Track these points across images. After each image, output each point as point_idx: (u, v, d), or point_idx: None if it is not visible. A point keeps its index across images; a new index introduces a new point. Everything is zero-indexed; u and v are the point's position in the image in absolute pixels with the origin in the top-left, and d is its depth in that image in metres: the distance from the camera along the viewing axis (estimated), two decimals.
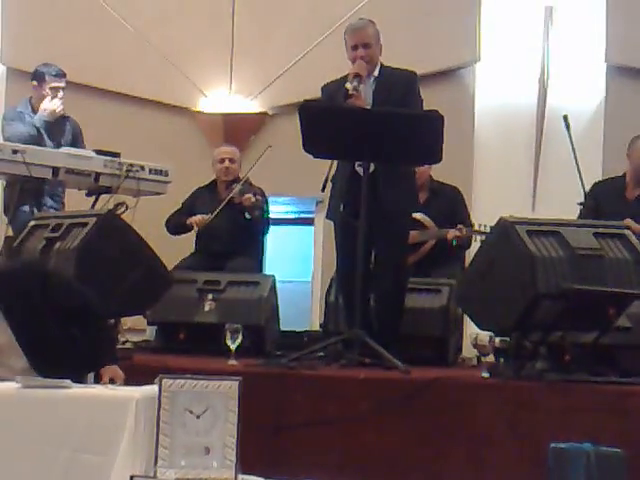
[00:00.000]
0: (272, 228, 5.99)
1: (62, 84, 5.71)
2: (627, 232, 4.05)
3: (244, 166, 6.03)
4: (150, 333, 5.45)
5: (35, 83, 5.72)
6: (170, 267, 4.92)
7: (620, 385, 3.70)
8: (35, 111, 5.69)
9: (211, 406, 2.89)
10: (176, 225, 5.83)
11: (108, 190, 5.43)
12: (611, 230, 4.03)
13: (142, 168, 5.46)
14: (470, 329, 4.87)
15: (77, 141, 5.74)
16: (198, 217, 5.73)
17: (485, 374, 3.91)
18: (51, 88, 5.68)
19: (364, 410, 3.67)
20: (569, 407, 3.56)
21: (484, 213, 5.92)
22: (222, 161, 5.88)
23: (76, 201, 5.81)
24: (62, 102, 5.70)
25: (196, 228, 5.74)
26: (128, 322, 5.33)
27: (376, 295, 4.52)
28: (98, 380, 3.40)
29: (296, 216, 8.07)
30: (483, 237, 5.27)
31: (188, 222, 5.75)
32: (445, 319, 4.86)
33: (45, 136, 5.62)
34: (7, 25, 7.42)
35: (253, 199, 5.57)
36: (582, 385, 3.67)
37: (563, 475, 3.11)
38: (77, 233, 4.31)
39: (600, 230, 3.98)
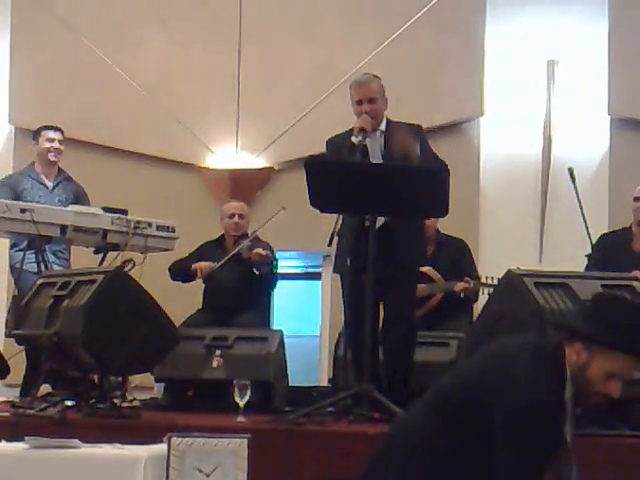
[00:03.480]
0: (279, 282, 5.99)
1: (58, 136, 5.84)
2: (635, 284, 4.04)
3: (251, 222, 6.05)
4: (158, 390, 5.42)
5: (34, 141, 5.90)
6: (178, 323, 4.91)
7: (633, 439, 3.66)
8: (37, 172, 5.79)
9: (220, 464, 2.87)
10: (179, 270, 5.79)
11: (116, 247, 5.44)
12: (618, 282, 4.02)
13: (149, 225, 5.48)
14: None
15: (80, 204, 5.75)
16: (204, 264, 5.70)
17: None
18: (47, 139, 5.81)
19: None
20: (580, 461, 3.52)
21: (491, 265, 5.93)
22: (232, 216, 5.90)
23: (83, 258, 5.83)
24: (59, 153, 5.84)
25: (200, 274, 5.70)
26: (135, 380, 5.31)
27: (386, 348, 4.50)
28: None
29: (303, 270, 8.07)
30: (490, 289, 5.26)
31: (193, 267, 5.72)
32: None
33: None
34: (15, 85, 7.52)
35: (263, 253, 5.57)
36: (594, 439, 3.63)
37: None
38: (85, 291, 4.30)
39: (608, 282, 3.97)
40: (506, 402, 2.66)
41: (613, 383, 2.72)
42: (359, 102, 4.50)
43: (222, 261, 5.65)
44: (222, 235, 5.98)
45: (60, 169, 5.93)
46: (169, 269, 5.85)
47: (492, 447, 2.68)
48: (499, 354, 2.83)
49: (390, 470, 2.85)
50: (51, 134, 5.84)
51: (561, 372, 2.71)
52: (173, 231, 5.62)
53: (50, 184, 5.85)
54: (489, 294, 4.99)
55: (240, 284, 5.69)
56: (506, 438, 2.64)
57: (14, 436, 3.40)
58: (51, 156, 5.82)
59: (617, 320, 2.70)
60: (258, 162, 7.36)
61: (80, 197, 5.86)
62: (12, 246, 5.76)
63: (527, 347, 2.76)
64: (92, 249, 5.59)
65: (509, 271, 4.02)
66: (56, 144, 5.83)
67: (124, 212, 5.49)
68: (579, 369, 2.71)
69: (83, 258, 5.80)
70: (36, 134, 5.90)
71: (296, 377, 5.43)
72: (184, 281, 5.84)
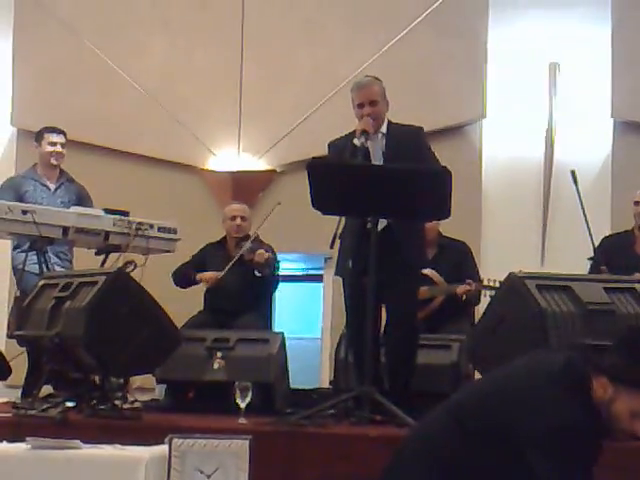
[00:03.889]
0: (281, 285, 5.99)
1: (60, 139, 5.83)
2: (637, 286, 4.03)
3: (253, 223, 6.05)
4: (159, 392, 5.42)
5: (36, 143, 5.88)
6: (179, 325, 4.91)
7: (636, 442, 3.65)
8: (39, 175, 5.80)
9: (222, 465, 2.87)
10: (184, 278, 5.82)
11: (117, 248, 5.44)
12: (622, 284, 4.01)
13: (151, 226, 5.49)
14: None
15: (83, 205, 5.75)
16: (209, 274, 5.72)
17: None
18: (49, 143, 5.80)
19: (375, 469, 3.62)
20: None
21: (493, 268, 5.93)
22: (234, 218, 5.91)
23: (84, 259, 5.83)
24: (61, 157, 5.83)
25: (206, 284, 5.73)
26: (137, 381, 5.31)
27: (388, 351, 4.49)
28: None
29: (305, 273, 8.07)
30: (492, 292, 5.25)
31: (198, 278, 5.75)
32: (456, 375, 4.82)
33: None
34: (17, 87, 7.54)
35: (266, 255, 5.58)
36: None
37: None
38: (87, 292, 4.30)
39: (611, 285, 3.97)
40: (541, 425, 2.60)
41: (639, 423, 2.60)
42: (360, 105, 4.49)
43: (227, 268, 5.64)
44: (224, 237, 5.99)
45: (62, 171, 5.94)
46: (173, 275, 5.87)
47: (510, 461, 2.64)
48: (526, 372, 2.77)
49: (403, 477, 2.83)
50: (53, 137, 5.83)
51: (590, 401, 2.64)
52: (175, 233, 5.62)
53: (53, 186, 5.85)
54: (491, 297, 4.98)
55: (242, 286, 5.69)
56: (549, 459, 2.58)
57: (15, 437, 3.39)
58: (53, 160, 5.82)
59: None
60: (260, 164, 7.37)
61: (83, 198, 5.86)
62: (15, 247, 5.76)
63: (556, 370, 2.69)
64: (94, 250, 5.59)
65: (511, 274, 4.01)
66: (58, 148, 5.83)
67: (126, 214, 5.49)
68: (604, 404, 2.61)
69: (86, 259, 5.80)
70: (38, 136, 5.90)
71: (297, 379, 5.43)
72: (187, 287, 5.85)
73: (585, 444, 2.62)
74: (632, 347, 2.63)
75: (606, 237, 5.62)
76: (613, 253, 5.37)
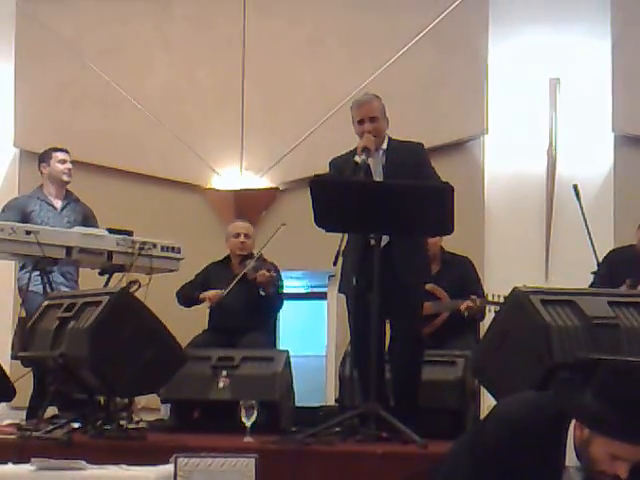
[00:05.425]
0: (285, 303, 5.98)
1: (68, 157, 5.88)
2: None
3: (256, 242, 6.06)
4: (164, 411, 5.41)
5: (44, 164, 5.87)
6: (183, 344, 4.90)
7: None
8: (45, 194, 5.81)
9: None
10: (187, 298, 5.84)
11: (121, 268, 5.44)
12: (626, 299, 4.00)
13: (154, 246, 5.49)
14: (487, 401, 4.82)
15: (88, 225, 5.76)
16: (212, 292, 5.73)
17: None
18: (60, 160, 5.83)
19: None
20: None
21: (497, 283, 5.92)
22: (237, 236, 5.92)
23: (90, 279, 5.83)
24: (70, 173, 5.86)
25: (208, 303, 5.73)
26: (142, 401, 5.30)
27: (393, 367, 4.49)
28: None
29: (308, 290, 8.07)
30: (497, 307, 5.24)
31: (201, 297, 5.76)
32: (461, 391, 4.81)
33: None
34: (20, 108, 7.57)
35: (268, 275, 5.59)
36: None
37: None
38: (90, 312, 4.30)
39: (615, 299, 3.96)
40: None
41: (619, 464, 2.37)
42: (361, 121, 4.50)
43: (230, 286, 5.65)
44: (228, 256, 5.99)
45: (68, 191, 5.95)
46: (177, 294, 5.87)
47: None
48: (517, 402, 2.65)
49: None
50: (62, 155, 5.87)
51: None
52: (178, 252, 5.62)
53: (59, 205, 5.86)
54: (496, 312, 4.97)
55: (246, 305, 5.69)
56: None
57: (21, 458, 3.39)
58: (65, 176, 5.85)
59: (614, 401, 2.37)
60: (263, 182, 7.38)
61: (88, 218, 5.88)
62: (21, 268, 5.78)
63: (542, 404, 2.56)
64: (97, 270, 5.59)
65: (515, 289, 4.00)
66: (68, 165, 5.87)
67: (129, 233, 5.50)
68: (581, 445, 2.44)
69: (92, 279, 5.80)
70: (46, 156, 5.89)
71: (302, 397, 5.42)
72: (191, 306, 5.86)
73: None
74: (610, 395, 2.39)
75: (611, 251, 5.62)
76: (618, 266, 5.36)
